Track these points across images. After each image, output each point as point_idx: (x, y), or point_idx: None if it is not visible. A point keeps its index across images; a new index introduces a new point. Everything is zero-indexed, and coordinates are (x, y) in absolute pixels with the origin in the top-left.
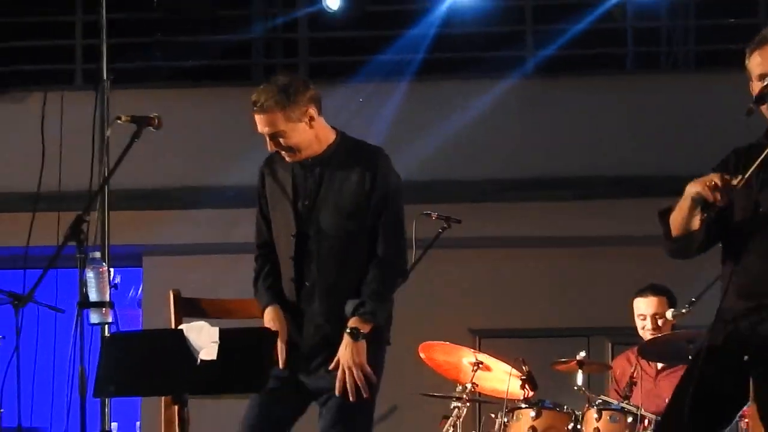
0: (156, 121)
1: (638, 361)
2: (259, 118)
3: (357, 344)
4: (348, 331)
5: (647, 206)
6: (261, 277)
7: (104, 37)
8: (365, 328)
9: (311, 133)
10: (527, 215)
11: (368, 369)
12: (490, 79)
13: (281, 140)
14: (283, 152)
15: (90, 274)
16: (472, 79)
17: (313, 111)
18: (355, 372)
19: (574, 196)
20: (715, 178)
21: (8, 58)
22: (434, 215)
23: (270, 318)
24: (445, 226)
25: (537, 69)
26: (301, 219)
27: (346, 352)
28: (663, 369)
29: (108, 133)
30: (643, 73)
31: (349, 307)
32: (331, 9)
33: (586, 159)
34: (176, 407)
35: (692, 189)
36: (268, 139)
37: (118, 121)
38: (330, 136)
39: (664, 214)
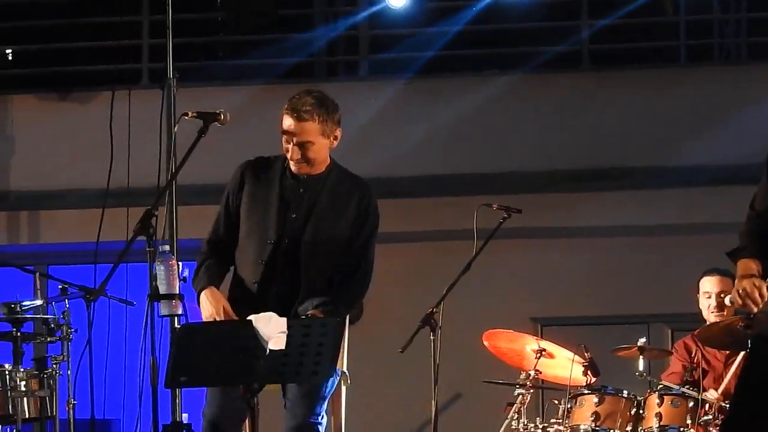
0: (222, 116)
1: (698, 347)
2: (293, 124)
3: None
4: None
5: (706, 195)
6: (203, 266)
7: (170, 37)
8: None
9: (327, 152)
10: (587, 205)
11: None
12: (546, 73)
13: (304, 150)
14: (296, 160)
15: (160, 268)
16: (529, 73)
17: (339, 132)
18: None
19: (631, 185)
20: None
21: (76, 58)
22: (495, 206)
23: (208, 297)
24: (506, 216)
25: (592, 63)
26: (284, 229)
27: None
28: (729, 355)
29: (175, 129)
30: (696, 66)
31: (311, 303)
32: (395, 6)
33: (643, 150)
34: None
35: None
36: (292, 144)
37: (185, 118)
38: (328, 160)
39: (733, 255)
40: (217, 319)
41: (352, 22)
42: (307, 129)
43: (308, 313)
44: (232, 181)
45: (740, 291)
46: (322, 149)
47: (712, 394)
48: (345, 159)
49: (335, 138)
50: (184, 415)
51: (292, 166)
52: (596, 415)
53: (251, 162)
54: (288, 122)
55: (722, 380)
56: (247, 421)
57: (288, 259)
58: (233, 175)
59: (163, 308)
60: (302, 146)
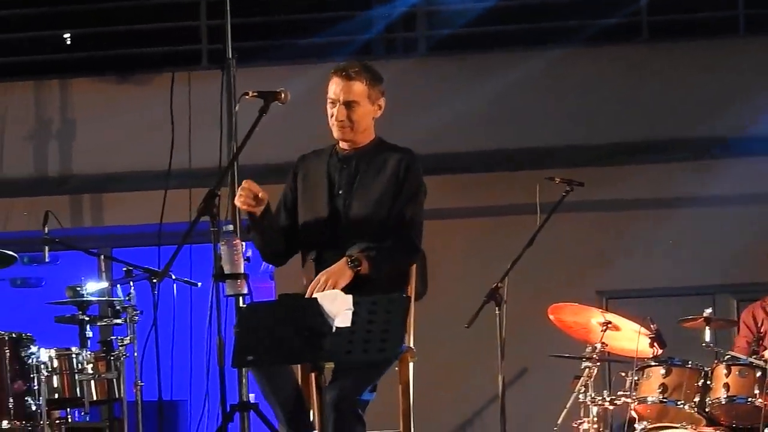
0: (283, 95)
1: (766, 314)
2: (340, 84)
3: (346, 270)
4: (348, 255)
5: (767, 164)
6: None
7: (229, 17)
8: (363, 266)
9: (371, 121)
10: (649, 177)
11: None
12: (605, 45)
13: (350, 111)
14: (340, 122)
15: (224, 248)
16: (586, 46)
17: (383, 102)
18: (329, 285)
19: (694, 156)
20: None
21: (136, 40)
22: (557, 179)
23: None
24: (568, 189)
25: (651, 34)
26: (334, 208)
27: (333, 269)
28: None
29: (236, 109)
30: (755, 36)
31: (357, 246)
32: None
33: (703, 120)
34: (313, 374)
35: None
36: (338, 104)
37: (246, 97)
38: (371, 136)
39: None
40: (240, 192)
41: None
42: (355, 89)
43: (348, 253)
44: (289, 178)
45: None
46: (366, 114)
47: None
48: (404, 135)
49: (379, 107)
50: (251, 395)
51: (336, 133)
52: (663, 387)
53: (305, 155)
54: (335, 86)
55: None
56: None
57: (339, 237)
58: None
59: (228, 288)
60: (348, 106)
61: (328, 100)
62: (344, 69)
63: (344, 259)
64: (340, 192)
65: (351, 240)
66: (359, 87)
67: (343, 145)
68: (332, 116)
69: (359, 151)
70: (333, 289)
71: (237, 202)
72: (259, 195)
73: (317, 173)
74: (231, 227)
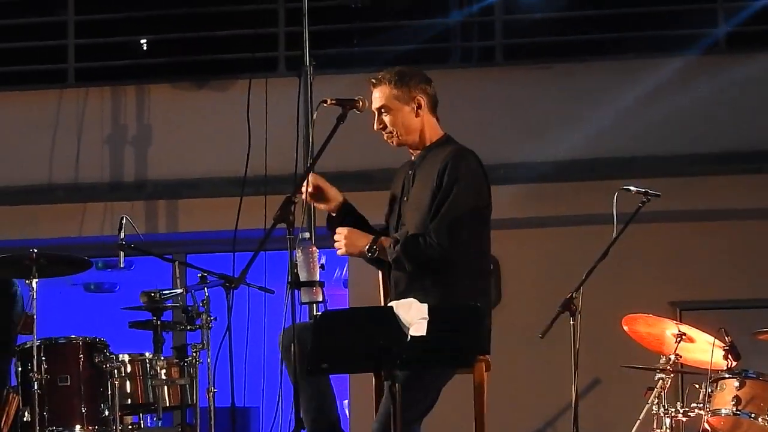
0: (360, 103)
1: None
2: (372, 91)
3: (363, 245)
4: (373, 239)
5: None
6: None
7: (306, 25)
8: (381, 253)
9: (416, 121)
10: (726, 188)
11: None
12: (678, 55)
13: (384, 117)
14: (384, 134)
15: (299, 255)
16: (662, 55)
17: (422, 99)
18: (337, 243)
19: None
20: None
21: (213, 46)
22: (634, 190)
23: None
24: (645, 200)
25: (727, 43)
26: (401, 216)
27: (356, 237)
28: None
29: (314, 116)
30: None
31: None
32: None
33: None
34: (387, 383)
35: None
36: (376, 116)
37: (324, 105)
38: (434, 136)
39: None
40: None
41: (487, 6)
42: (381, 93)
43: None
44: None
45: None
46: (401, 116)
47: None
48: (481, 144)
49: (418, 104)
50: None
51: (391, 143)
52: (737, 399)
53: (404, 163)
54: (371, 95)
55: None
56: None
57: None
58: None
59: (304, 295)
60: (380, 113)
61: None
62: (374, 76)
63: (371, 237)
64: (405, 198)
65: None
66: (384, 91)
67: (414, 152)
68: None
69: (421, 154)
70: (341, 249)
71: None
72: (324, 189)
73: (397, 185)
74: (307, 234)
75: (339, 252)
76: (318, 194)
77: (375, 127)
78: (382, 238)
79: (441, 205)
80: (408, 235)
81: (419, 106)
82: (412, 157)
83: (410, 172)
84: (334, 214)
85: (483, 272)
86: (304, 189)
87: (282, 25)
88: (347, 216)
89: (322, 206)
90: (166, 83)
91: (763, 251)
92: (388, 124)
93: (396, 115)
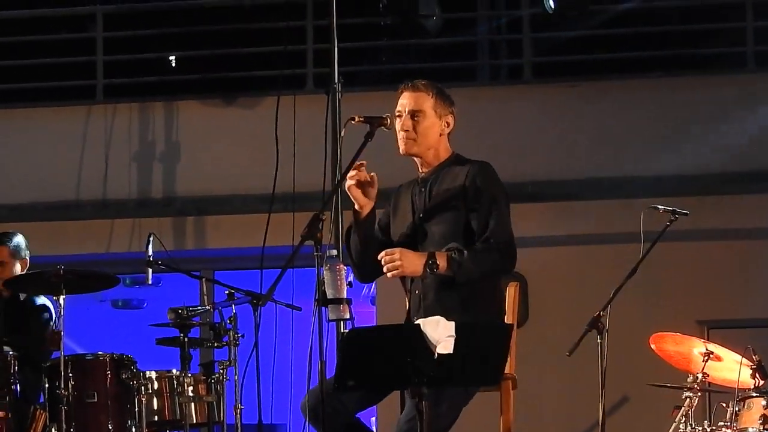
0: (388, 121)
1: None
2: (407, 95)
3: (419, 264)
4: (429, 255)
5: None
6: None
7: (335, 42)
8: (442, 264)
9: (438, 139)
10: (754, 206)
11: (396, 274)
12: (706, 75)
13: (415, 121)
14: (405, 132)
15: (327, 272)
16: (691, 73)
17: (451, 120)
18: (392, 264)
19: None
20: None
21: (241, 63)
22: (662, 209)
23: None
24: (673, 218)
25: (757, 63)
26: (416, 231)
27: (411, 256)
28: None
29: (342, 133)
30: None
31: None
32: (552, 9)
33: None
34: (414, 401)
35: None
36: (404, 114)
37: (352, 122)
38: (445, 155)
39: None
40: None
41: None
42: (420, 99)
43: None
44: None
45: None
46: (431, 127)
47: None
48: (509, 161)
49: (447, 124)
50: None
51: (401, 147)
52: (765, 419)
53: (401, 185)
54: (402, 99)
55: None
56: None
57: None
58: None
59: (331, 313)
60: (413, 116)
61: (396, 115)
62: (412, 82)
63: (426, 254)
64: (421, 216)
65: None
66: (425, 98)
67: (423, 169)
68: (399, 129)
69: (434, 171)
70: (394, 269)
71: (348, 183)
72: (372, 187)
73: (405, 202)
74: (335, 252)
75: (394, 274)
76: (365, 187)
77: (401, 126)
78: (437, 252)
79: (490, 211)
80: (477, 248)
81: (447, 126)
82: (420, 173)
83: (422, 189)
84: (361, 216)
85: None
86: (352, 173)
87: (310, 42)
88: (370, 218)
89: (360, 198)
90: (195, 100)
91: None
92: (414, 129)
93: (426, 124)
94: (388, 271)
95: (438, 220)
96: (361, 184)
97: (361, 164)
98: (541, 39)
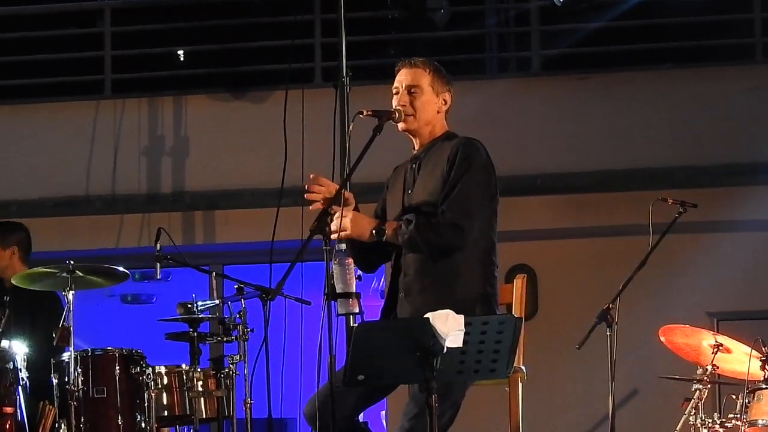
0: (397, 114)
1: None
2: (404, 71)
3: (369, 229)
4: (379, 222)
5: None
6: None
7: (343, 36)
8: (389, 234)
9: (435, 115)
10: (764, 198)
11: (343, 235)
12: (716, 65)
13: (412, 97)
14: (402, 106)
15: (336, 266)
16: (700, 65)
17: (448, 97)
18: (344, 225)
19: None
20: None
21: (249, 58)
22: (670, 201)
23: None
24: (681, 210)
25: (765, 55)
26: (405, 207)
27: (361, 219)
28: None
29: (350, 127)
30: None
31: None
32: (560, 1)
33: None
34: (422, 395)
35: None
36: (401, 89)
37: (360, 116)
38: (441, 130)
39: None
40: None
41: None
42: (418, 74)
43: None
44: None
45: None
46: (428, 103)
47: None
48: (518, 154)
49: (444, 102)
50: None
51: (401, 124)
52: None
53: (398, 165)
54: (399, 75)
55: None
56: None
57: None
58: None
59: (340, 307)
60: (410, 92)
61: (393, 92)
62: (409, 58)
63: (376, 221)
64: (409, 191)
65: None
66: (422, 73)
67: (417, 147)
68: (396, 103)
69: (426, 148)
70: (345, 231)
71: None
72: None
73: (398, 180)
74: (344, 246)
75: (343, 234)
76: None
77: (396, 102)
78: (388, 221)
79: (454, 187)
80: (420, 216)
81: (444, 103)
82: (414, 151)
83: (413, 165)
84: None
85: (490, 268)
86: (322, 192)
87: (318, 36)
88: None
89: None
90: (203, 94)
91: None
92: (412, 104)
93: (423, 99)
94: (338, 233)
95: (423, 194)
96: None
97: (315, 183)
98: (549, 31)
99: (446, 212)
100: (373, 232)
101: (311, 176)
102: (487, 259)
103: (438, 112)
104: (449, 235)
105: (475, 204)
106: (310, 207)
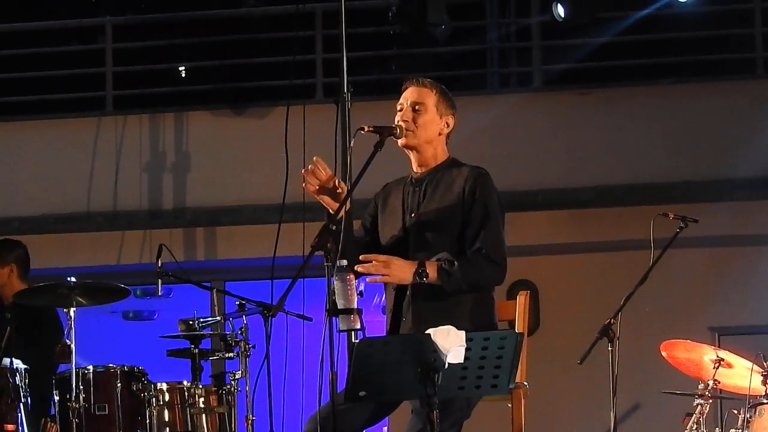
0: (398, 130)
1: None
2: (410, 89)
3: (409, 272)
4: (419, 263)
5: None
6: None
7: (344, 51)
8: (432, 273)
9: (437, 138)
10: (764, 213)
11: (379, 279)
12: (715, 81)
13: (416, 114)
14: (405, 122)
15: (337, 282)
16: (703, 82)
17: (451, 121)
18: (384, 272)
19: None
20: None
21: (251, 73)
22: (671, 215)
23: None
24: (683, 225)
25: (766, 70)
26: (407, 231)
27: (401, 264)
28: None
29: (351, 143)
30: None
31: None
32: (561, 17)
33: None
34: (424, 410)
35: None
36: (405, 105)
37: (361, 132)
38: (443, 157)
39: None
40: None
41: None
42: (424, 93)
43: (424, 261)
44: (372, 203)
45: None
46: (431, 123)
47: None
48: (519, 169)
49: (447, 125)
50: None
51: (401, 140)
52: None
53: (388, 183)
54: (406, 92)
55: None
56: None
57: (410, 258)
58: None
59: (342, 323)
60: (415, 109)
61: (398, 109)
62: (417, 77)
63: (415, 262)
64: (412, 215)
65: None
66: (429, 94)
67: (416, 169)
68: (399, 118)
69: (430, 173)
70: (383, 276)
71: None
72: (333, 182)
73: (395, 199)
74: (345, 262)
75: (382, 280)
76: (332, 191)
77: (400, 117)
78: (426, 261)
79: (484, 222)
80: (466, 259)
81: (447, 126)
82: (415, 172)
83: (416, 189)
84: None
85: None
86: (312, 175)
87: (320, 51)
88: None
89: (331, 204)
90: (205, 110)
91: None
92: (414, 121)
93: (427, 118)
94: (374, 274)
95: (432, 224)
96: (326, 190)
97: (316, 167)
98: (551, 46)
99: (483, 249)
100: (416, 276)
101: (315, 159)
102: (492, 294)
103: (440, 134)
104: (490, 272)
105: (503, 238)
106: (304, 187)
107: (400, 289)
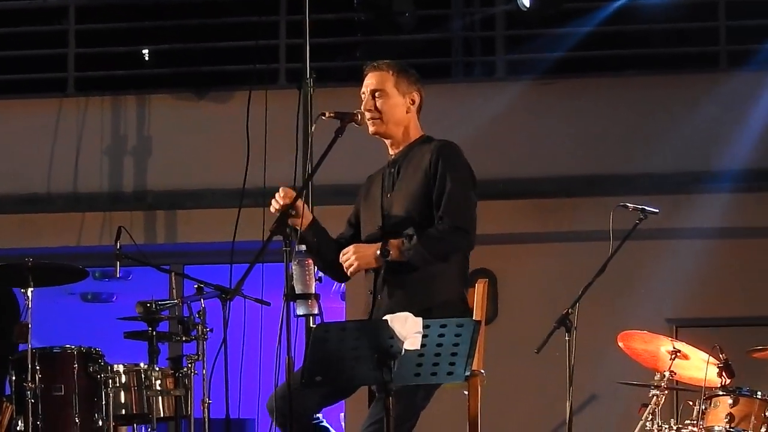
0: (359, 117)
1: None
2: (369, 75)
3: (375, 255)
4: (381, 243)
5: None
6: None
7: (308, 37)
8: (394, 251)
9: (405, 116)
10: (723, 206)
11: (353, 270)
12: (678, 74)
13: (378, 101)
14: (369, 111)
15: (296, 267)
16: (666, 74)
17: (416, 96)
18: (350, 261)
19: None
20: None
21: (214, 58)
22: (631, 207)
23: None
24: (642, 217)
25: (729, 63)
26: (384, 211)
27: (363, 248)
28: None
29: (312, 129)
30: None
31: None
32: (525, 6)
33: None
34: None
35: None
36: (366, 95)
37: (323, 117)
38: (416, 135)
39: None
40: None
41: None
42: (381, 78)
43: (388, 240)
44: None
45: None
46: (395, 106)
47: None
48: (481, 158)
49: (412, 101)
50: (318, 415)
51: (370, 127)
52: (731, 417)
53: (372, 174)
54: (366, 79)
55: None
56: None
57: (385, 238)
58: None
59: (299, 308)
60: (374, 95)
61: (361, 95)
62: (375, 62)
63: (379, 244)
64: (388, 195)
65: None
66: (385, 76)
67: (392, 152)
68: (362, 109)
69: (403, 152)
70: (352, 266)
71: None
72: (296, 203)
73: (375, 186)
74: (303, 247)
75: (352, 269)
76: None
77: (363, 107)
78: (390, 239)
79: (444, 191)
80: (432, 230)
81: (412, 103)
82: (390, 156)
83: (391, 170)
84: (302, 231)
85: (465, 269)
86: (280, 201)
87: (283, 37)
88: (317, 233)
89: (296, 222)
90: (167, 94)
91: (758, 269)
92: (377, 108)
93: (389, 102)
94: (347, 269)
95: (404, 202)
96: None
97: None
98: (515, 36)
99: (444, 217)
100: (378, 254)
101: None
102: (465, 261)
103: (408, 113)
104: (455, 239)
105: (468, 203)
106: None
107: (376, 270)
